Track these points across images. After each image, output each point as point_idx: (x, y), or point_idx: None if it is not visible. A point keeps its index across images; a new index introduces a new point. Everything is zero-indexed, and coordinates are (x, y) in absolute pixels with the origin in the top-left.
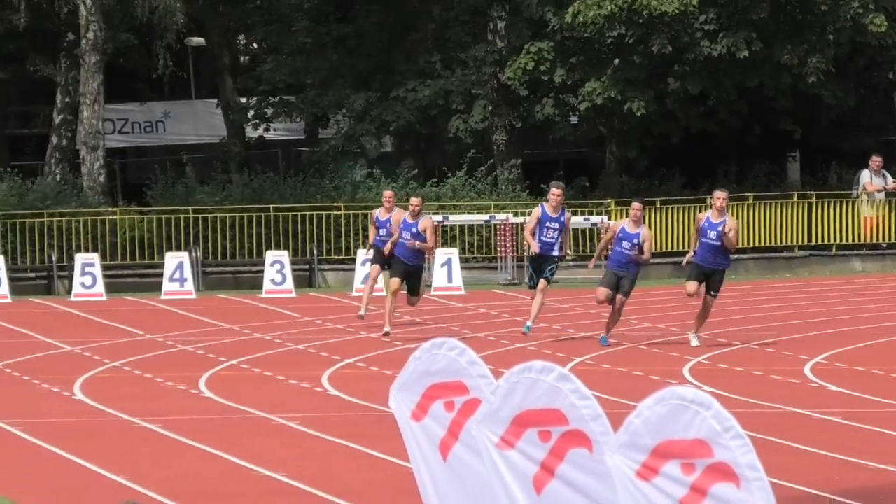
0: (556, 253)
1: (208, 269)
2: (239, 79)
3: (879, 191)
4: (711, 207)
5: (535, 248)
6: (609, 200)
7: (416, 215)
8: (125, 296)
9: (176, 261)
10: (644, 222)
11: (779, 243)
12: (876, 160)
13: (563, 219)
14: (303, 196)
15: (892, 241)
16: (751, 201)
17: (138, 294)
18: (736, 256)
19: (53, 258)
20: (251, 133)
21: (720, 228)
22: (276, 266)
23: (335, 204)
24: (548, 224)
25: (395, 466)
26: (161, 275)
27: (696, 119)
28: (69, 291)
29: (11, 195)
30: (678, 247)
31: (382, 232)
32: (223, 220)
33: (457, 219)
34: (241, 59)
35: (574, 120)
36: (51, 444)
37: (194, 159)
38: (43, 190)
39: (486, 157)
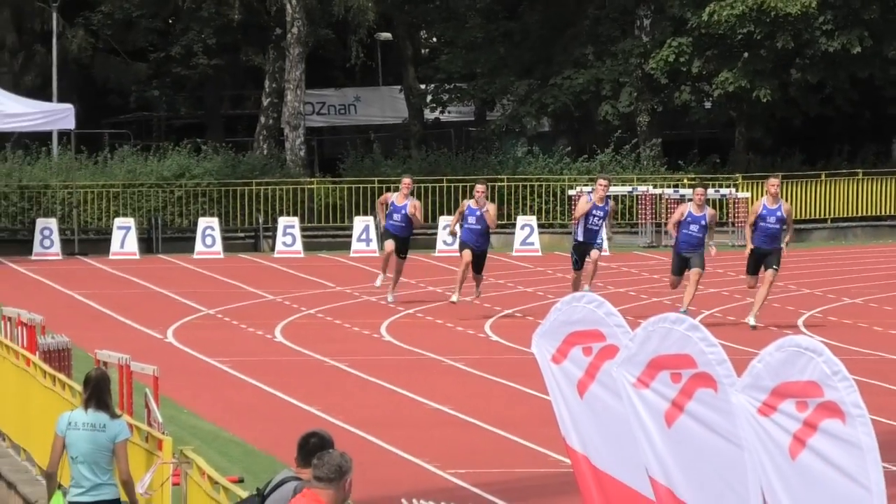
0: (599, 241)
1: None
2: (420, 68)
3: None
4: (766, 194)
5: (579, 236)
6: (737, 175)
7: (480, 203)
8: (320, 253)
9: (363, 224)
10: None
11: (885, 213)
12: None
13: (607, 208)
14: (472, 169)
15: None
16: (860, 177)
17: (331, 252)
18: (846, 224)
19: (260, 220)
20: (429, 115)
21: (779, 213)
22: (447, 229)
23: (500, 176)
24: (594, 212)
25: (543, 401)
26: (350, 236)
27: (814, 105)
28: (272, 249)
29: (225, 166)
30: (798, 215)
31: (397, 217)
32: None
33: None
34: (422, 51)
35: (708, 105)
36: (253, 379)
37: (380, 137)
38: (252, 162)
39: (630, 137)
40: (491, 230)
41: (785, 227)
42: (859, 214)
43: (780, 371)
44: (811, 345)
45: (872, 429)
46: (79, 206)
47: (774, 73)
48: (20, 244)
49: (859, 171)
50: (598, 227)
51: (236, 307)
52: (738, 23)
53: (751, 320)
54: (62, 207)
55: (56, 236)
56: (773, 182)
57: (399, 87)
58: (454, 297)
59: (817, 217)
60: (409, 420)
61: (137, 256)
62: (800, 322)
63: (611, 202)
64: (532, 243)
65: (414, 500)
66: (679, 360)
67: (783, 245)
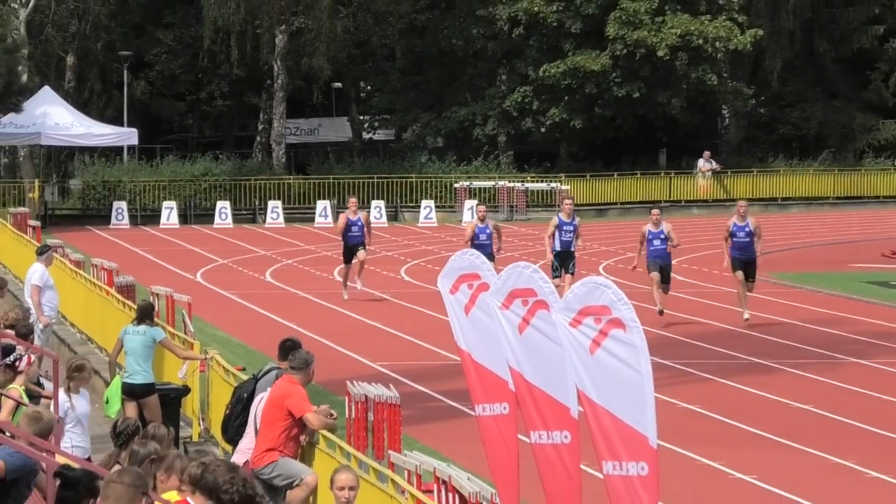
0: (573, 249)
1: (340, 210)
2: (359, 105)
3: (707, 171)
4: (736, 214)
5: (549, 253)
6: (561, 175)
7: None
8: (295, 224)
9: (322, 205)
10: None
11: (655, 198)
12: (706, 153)
13: (575, 223)
14: (393, 170)
15: (715, 197)
16: (638, 176)
17: (302, 223)
18: (631, 206)
19: (256, 203)
20: (365, 136)
21: (747, 229)
22: (378, 209)
23: (410, 175)
24: (564, 227)
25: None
26: (314, 212)
27: (610, 130)
28: (264, 221)
29: (234, 168)
30: (599, 199)
31: (355, 229)
32: (350, 183)
33: (478, 184)
34: (361, 94)
35: (543, 130)
36: (252, 304)
37: (334, 150)
38: (251, 166)
39: (493, 150)
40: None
41: (757, 238)
42: (638, 199)
43: (584, 298)
44: (604, 282)
45: (643, 335)
46: (140, 193)
47: (584, 110)
48: (102, 218)
49: (638, 172)
50: (570, 240)
51: (241, 259)
52: (561, 77)
53: (745, 314)
54: (129, 194)
55: (126, 213)
56: (742, 204)
57: (346, 117)
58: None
59: (611, 201)
60: (352, 331)
61: (177, 226)
62: (600, 268)
63: (577, 218)
64: (431, 218)
65: (354, 382)
66: (527, 291)
67: (757, 254)
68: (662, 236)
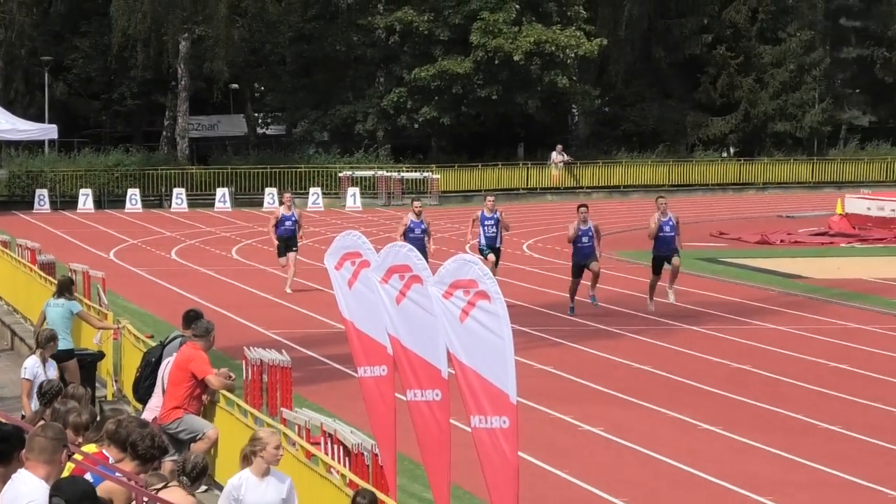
0: (498, 244)
1: (238, 196)
2: (254, 104)
3: (559, 162)
4: (657, 211)
5: (470, 240)
6: (432, 165)
7: (492, 210)
8: (197, 209)
9: (221, 192)
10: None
11: (513, 186)
12: (559, 147)
13: (496, 216)
14: (283, 161)
15: (566, 185)
16: (500, 166)
17: (203, 208)
18: (498, 193)
19: (163, 190)
20: (260, 131)
21: (671, 223)
22: (271, 196)
23: (300, 165)
24: (486, 222)
25: (325, 293)
26: (214, 198)
27: (474, 126)
28: (170, 206)
29: (143, 160)
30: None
31: (289, 224)
32: (245, 173)
33: (360, 173)
34: (255, 94)
35: (416, 126)
36: (156, 278)
37: (231, 143)
38: (158, 157)
39: (373, 143)
40: (505, 232)
41: (678, 233)
42: (500, 187)
43: (455, 273)
44: (472, 258)
45: (505, 305)
46: (59, 182)
47: (452, 108)
48: (26, 204)
49: (499, 163)
50: (495, 234)
51: (149, 239)
52: (431, 79)
53: (670, 296)
54: (50, 183)
55: (47, 199)
56: (663, 200)
57: (242, 114)
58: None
59: (476, 188)
60: (247, 302)
61: (93, 211)
62: (467, 247)
63: (500, 211)
64: (318, 203)
65: (250, 348)
66: (404, 268)
67: (678, 248)
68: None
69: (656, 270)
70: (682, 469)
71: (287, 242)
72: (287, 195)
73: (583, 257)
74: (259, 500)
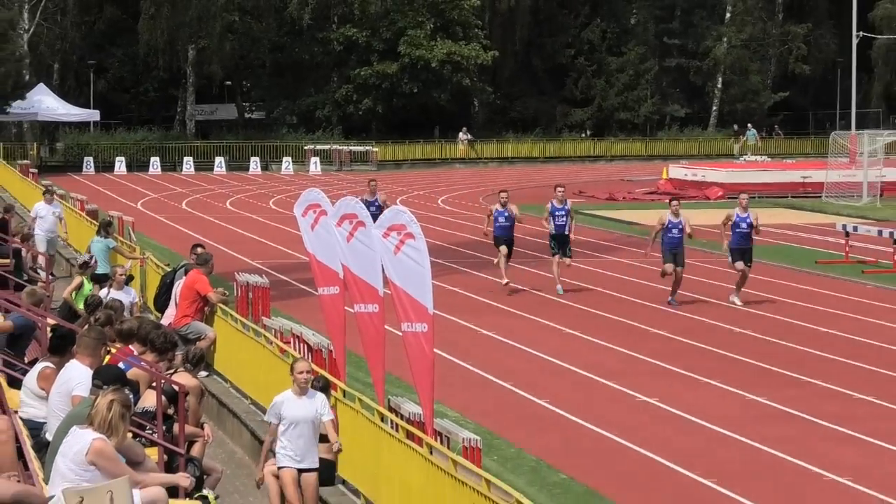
0: (567, 232)
1: (230, 163)
2: (242, 96)
3: (464, 140)
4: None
5: (550, 228)
6: (372, 141)
7: (562, 200)
8: (201, 172)
9: (218, 160)
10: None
11: (425, 157)
12: (464, 129)
13: (567, 208)
14: (264, 138)
15: (469, 157)
16: (421, 143)
17: (206, 172)
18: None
19: (175, 158)
20: (247, 115)
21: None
22: (255, 162)
23: (275, 141)
24: (557, 213)
25: (293, 233)
26: (213, 166)
27: (402, 113)
28: (181, 171)
29: (161, 136)
30: (398, 158)
31: (372, 209)
32: (237, 146)
33: (319, 147)
34: (244, 88)
35: (360, 112)
36: (174, 224)
37: (226, 124)
38: (172, 134)
39: (328, 125)
40: (518, 223)
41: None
42: (421, 158)
43: (391, 219)
44: (403, 209)
45: (425, 243)
46: (101, 152)
47: (385, 100)
48: (76, 168)
49: (420, 140)
50: (564, 223)
51: (166, 194)
52: (369, 78)
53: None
54: (93, 152)
55: (92, 165)
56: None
57: (234, 103)
58: (504, 281)
59: (404, 158)
60: (236, 240)
61: (125, 174)
62: (398, 201)
63: (569, 202)
64: (289, 169)
65: (239, 273)
66: (352, 216)
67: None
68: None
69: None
70: (550, 361)
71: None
72: (372, 181)
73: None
74: (295, 414)
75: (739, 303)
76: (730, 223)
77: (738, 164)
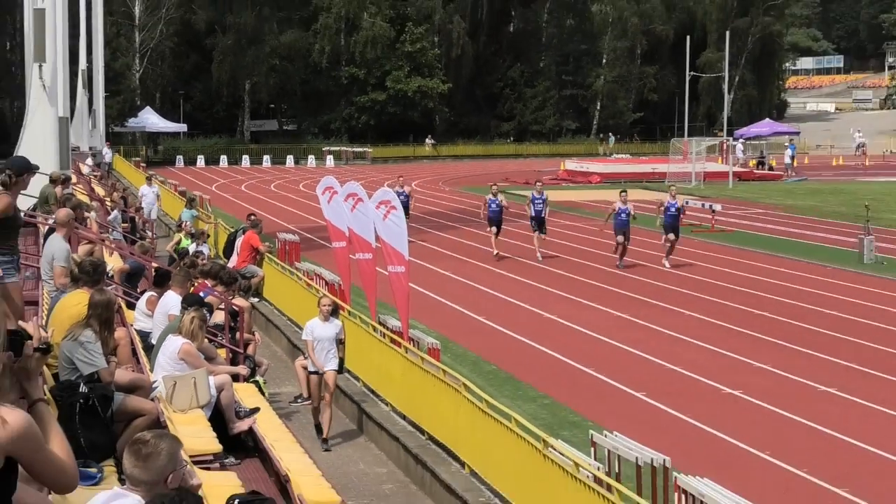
0: (543, 215)
1: (274, 160)
2: (281, 114)
3: (430, 144)
4: (618, 200)
5: (530, 212)
6: (368, 145)
7: (625, 202)
8: (254, 167)
9: (265, 157)
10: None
11: (406, 156)
12: (430, 136)
13: (543, 197)
14: (296, 142)
15: (434, 155)
16: (401, 146)
17: (254, 166)
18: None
19: (237, 157)
20: (284, 127)
21: (677, 205)
22: (290, 159)
23: (303, 144)
24: (535, 200)
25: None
26: (261, 162)
27: (391, 126)
28: (240, 165)
29: (228, 142)
30: (386, 156)
31: (401, 197)
32: (277, 148)
33: (334, 149)
34: (282, 109)
35: (360, 125)
36: (236, 199)
37: (269, 133)
38: (235, 140)
39: (339, 134)
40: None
41: (633, 216)
42: (403, 156)
43: (380, 196)
44: (388, 190)
45: (403, 213)
46: (187, 152)
47: (377, 117)
48: (171, 163)
49: (401, 144)
50: (541, 209)
51: (231, 180)
52: (366, 103)
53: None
54: (182, 152)
55: (182, 161)
56: (623, 194)
57: (275, 119)
58: (494, 252)
59: (391, 156)
60: (278, 211)
61: (204, 167)
62: (385, 184)
63: (545, 193)
64: (312, 164)
65: (279, 233)
66: (355, 195)
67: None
68: (627, 210)
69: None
70: (484, 290)
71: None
72: (401, 177)
73: (619, 226)
74: (322, 334)
75: (668, 265)
76: (662, 207)
77: (610, 160)
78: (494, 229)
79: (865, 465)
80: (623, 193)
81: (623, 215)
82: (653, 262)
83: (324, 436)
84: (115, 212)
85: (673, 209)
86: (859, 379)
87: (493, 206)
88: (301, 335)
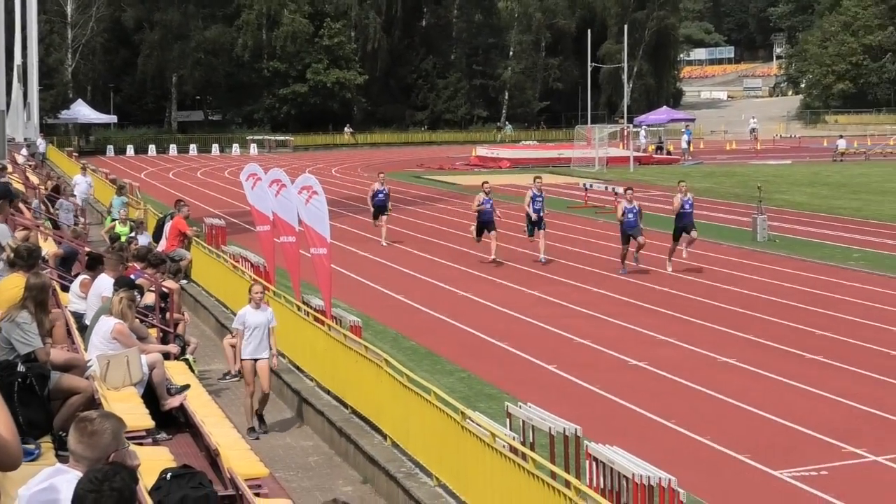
0: (542, 214)
1: (200, 149)
2: (207, 105)
3: (349, 132)
4: (679, 192)
5: (532, 215)
6: (290, 134)
7: (630, 200)
8: (182, 155)
9: (192, 146)
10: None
11: (326, 143)
12: (348, 125)
13: (542, 195)
14: (221, 132)
15: (352, 143)
16: (321, 135)
17: (182, 155)
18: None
19: (165, 146)
20: (210, 118)
21: (691, 202)
22: (216, 148)
23: (228, 134)
24: (536, 198)
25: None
26: (188, 151)
27: (309, 116)
28: (169, 154)
29: (156, 132)
30: (308, 144)
31: (381, 196)
32: (204, 138)
33: (258, 138)
34: (207, 100)
35: (282, 115)
36: (164, 186)
37: (195, 124)
38: (163, 131)
39: (262, 124)
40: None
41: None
42: (323, 143)
43: (302, 182)
44: (310, 176)
45: (325, 198)
46: (117, 142)
47: (298, 107)
48: (101, 152)
49: (321, 132)
50: (541, 207)
51: (158, 168)
52: (288, 94)
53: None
54: (113, 142)
55: (112, 150)
56: (629, 193)
57: (201, 110)
58: (492, 257)
59: (311, 144)
60: (203, 196)
61: (134, 156)
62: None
63: (543, 191)
64: (237, 151)
65: (205, 218)
66: (279, 181)
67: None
68: (635, 209)
69: (676, 238)
70: (403, 271)
71: (380, 209)
72: (382, 174)
73: (629, 227)
74: (254, 321)
75: (670, 269)
76: (676, 207)
77: (518, 147)
78: (494, 233)
79: (763, 431)
80: (629, 191)
81: (630, 215)
82: (565, 243)
83: (251, 425)
84: (61, 199)
85: (687, 206)
86: (757, 350)
87: (487, 205)
88: (229, 316)
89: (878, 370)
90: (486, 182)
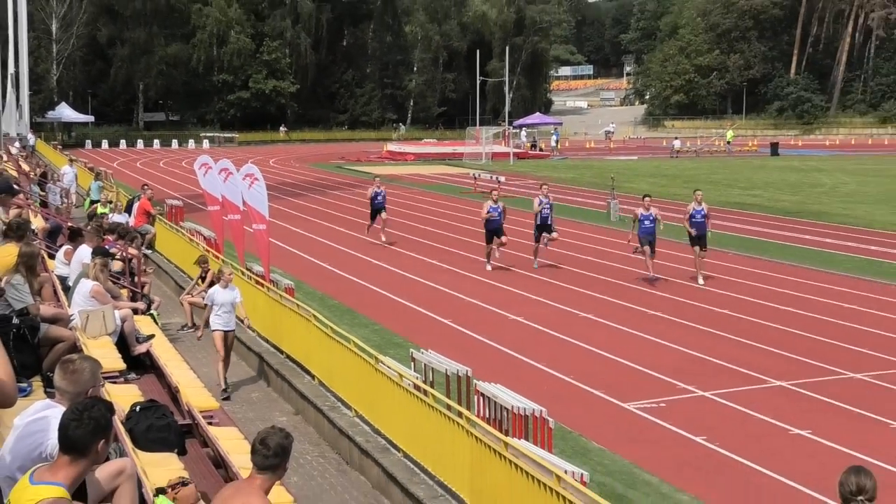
0: (550, 221)
1: (162, 144)
2: (168, 108)
3: (283, 131)
4: (641, 206)
5: (537, 220)
6: (236, 132)
7: (647, 208)
8: (148, 149)
9: (156, 141)
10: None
11: (264, 140)
12: (283, 125)
13: (550, 202)
14: (181, 130)
15: (285, 140)
16: (261, 132)
17: (148, 148)
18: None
19: (134, 141)
20: (170, 118)
21: (652, 216)
22: (175, 143)
23: (186, 132)
24: (644, 221)
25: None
26: (153, 145)
27: (251, 118)
28: (136, 147)
29: (126, 130)
30: (260, 140)
31: (379, 199)
32: (166, 135)
33: (209, 135)
34: (168, 103)
35: (229, 117)
36: (134, 174)
37: (159, 123)
38: (132, 128)
39: (213, 124)
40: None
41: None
42: (263, 140)
43: (247, 170)
44: (252, 166)
45: (264, 183)
46: (94, 137)
47: (243, 110)
48: (81, 145)
49: (261, 131)
50: (548, 214)
51: (129, 159)
52: (235, 100)
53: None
54: (91, 137)
55: (90, 144)
56: (647, 200)
57: (163, 112)
58: (488, 267)
59: (254, 140)
60: (166, 181)
61: (108, 149)
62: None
63: (550, 198)
64: (192, 146)
65: (167, 200)
66: (226, 170)
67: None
68: (652, 216)
69: (692, 243)
70: (325, 243)
71: (378, 210)
72: (377, 180)
73: (645, 234)
74: (223, 300)
75: (702, 282)
76: (687, 216)
77: (420, 143)
78: (504, 239)
79: (615, 371)
80: (646, 198)
81: (647, 222)
82: (456, 221)
83: (224, 386)
84: (49, 184)
85: (699, 216)
86: (610, 307)
87: (495, 213)
88: (186, 279)
89: (706, 323)
90: (495, 190)
